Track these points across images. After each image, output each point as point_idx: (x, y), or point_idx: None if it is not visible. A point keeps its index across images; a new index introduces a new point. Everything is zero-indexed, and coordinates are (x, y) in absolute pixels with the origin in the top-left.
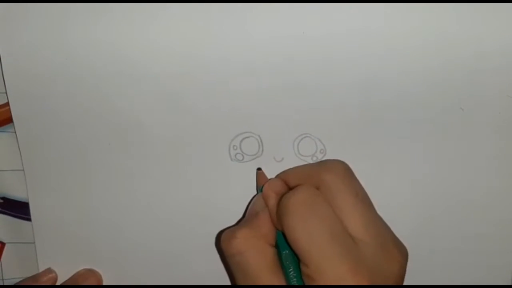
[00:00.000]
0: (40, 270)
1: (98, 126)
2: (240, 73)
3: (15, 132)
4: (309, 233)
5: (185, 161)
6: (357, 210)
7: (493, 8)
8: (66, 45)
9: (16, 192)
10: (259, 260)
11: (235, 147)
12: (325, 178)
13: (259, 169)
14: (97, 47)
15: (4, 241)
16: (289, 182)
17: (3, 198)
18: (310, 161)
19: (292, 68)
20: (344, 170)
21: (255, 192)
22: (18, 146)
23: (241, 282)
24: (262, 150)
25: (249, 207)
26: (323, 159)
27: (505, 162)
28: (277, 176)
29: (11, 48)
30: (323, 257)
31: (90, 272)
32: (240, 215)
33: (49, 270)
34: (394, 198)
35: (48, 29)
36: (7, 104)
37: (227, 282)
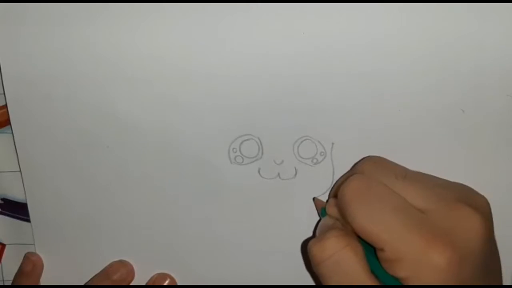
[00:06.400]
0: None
1: (97, 128)
2: (239, 75)
3: (12, 134)
4: (371, 215)
5: (184, 163)
6: (410, 184)
7: (493, 8)
8: (64, 47)
9: (16, 193)
10: (356, 258)
11: (234, 150)
12: (364, 169)
13: (313, 198)
14: (95, 49)
15: (5, 243)
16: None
17: (3, 199)
18: (310, 163)
19: (292, 70)
20: (377, 158)
21: (255, 195)
22: (15, 148)
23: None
24: (262, 153)
25: (319, 229)
26: (324, 161)
27: (505, 163)
28: (329, 197)
29: (9, 50)
30: (394, 235)
31: (121, 263)
32: (239, 218)
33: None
34: None
35: (46, 32)
36: (5, 106)
37: (227, 283)
